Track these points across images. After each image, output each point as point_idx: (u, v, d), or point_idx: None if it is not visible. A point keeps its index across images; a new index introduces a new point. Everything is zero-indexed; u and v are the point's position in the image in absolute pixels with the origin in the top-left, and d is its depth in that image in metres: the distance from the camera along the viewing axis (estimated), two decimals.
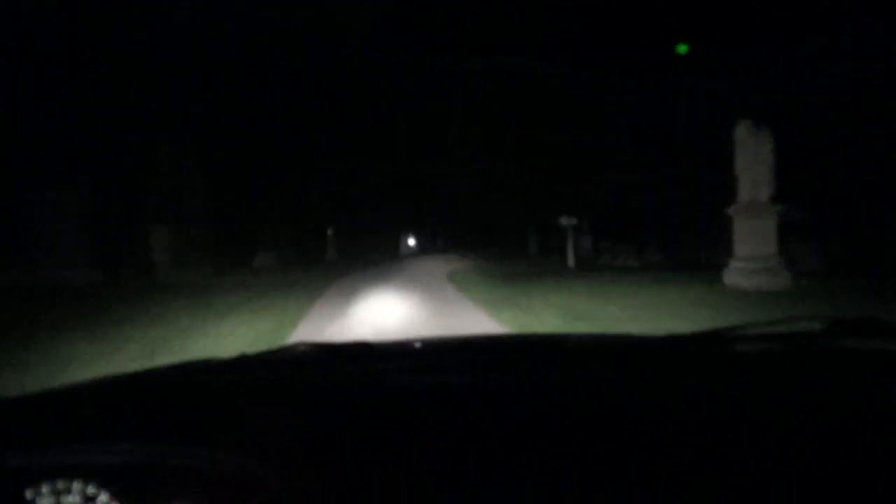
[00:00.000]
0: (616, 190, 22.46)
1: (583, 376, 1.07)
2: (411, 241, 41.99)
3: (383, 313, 8.68)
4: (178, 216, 15.81)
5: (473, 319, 7.70)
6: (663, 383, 1.00)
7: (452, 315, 8.16)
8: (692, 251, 20.93)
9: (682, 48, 15.72)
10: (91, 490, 0.76)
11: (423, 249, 42.49)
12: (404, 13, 18.38)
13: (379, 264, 23.74)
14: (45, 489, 0.76)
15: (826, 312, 1.38)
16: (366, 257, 30.37)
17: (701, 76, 14.80)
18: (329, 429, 0.86)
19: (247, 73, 19.19)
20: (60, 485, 0.76)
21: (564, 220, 16.64)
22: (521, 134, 25.66)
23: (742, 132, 9.70)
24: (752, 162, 9.60)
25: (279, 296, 11.46)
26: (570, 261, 16.51)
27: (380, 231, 36.00)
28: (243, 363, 1.27)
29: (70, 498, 0.76)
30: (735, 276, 9.76)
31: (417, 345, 1.58)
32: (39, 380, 4.92)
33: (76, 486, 0.76)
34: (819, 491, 0.66)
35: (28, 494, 0.76)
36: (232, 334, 7.08)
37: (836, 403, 0.87)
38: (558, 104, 22.80)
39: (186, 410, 0.98)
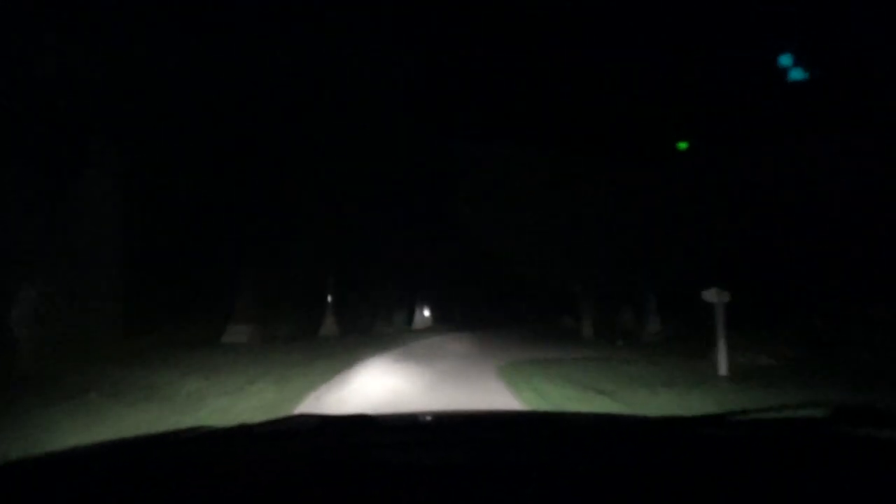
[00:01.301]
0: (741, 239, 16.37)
1: (583, 459, 1.06)
2: (426, 313, 35.56)
3: None
4: (71, 268, 9.75)
5: None
6: (668, 468, 0.99)
7: None
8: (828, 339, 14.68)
9: (682, 145, 16.09)
10: None
11: (438, 322, 36.10)
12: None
13: (390, 344, 17.39)
14: None
15: None
16: (372, 333, 24.00)
17: None
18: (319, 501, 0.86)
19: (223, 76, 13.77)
20: None
21: (712, 295, 10.16)
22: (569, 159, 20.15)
23: None
24: None
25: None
26: (722, 365, 9.86)
27: (389, 299, 29.61)
28: (242, 432, 1.27)
29: None
30: None
31: (419, 419, 1.60)
32: None
33: None
34: None
35: None
36: None
37: (835, 491, 0.87)
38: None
39: (184, 476, 0.98)
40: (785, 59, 11.89)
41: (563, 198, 22.06)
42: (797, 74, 11.87)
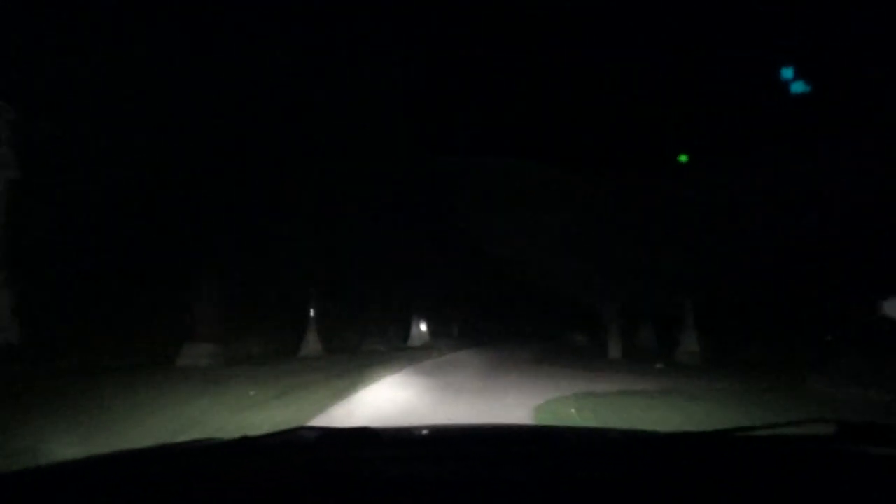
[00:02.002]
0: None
1: (588, 475, 1.02)
2: (423, 327, 32.33)
3: None
4: None
5: None
6: (674, 484, 0.96)
7: None
8: None
9: (683, 157, 15.34)
10: None
11: (435, 337, 32.91)
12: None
13: (384, 367, 14.21)
14: None
15: None
16: (362, 351, 20.81)
17: None
18: None
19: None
20: None
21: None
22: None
23: None
24: None
25: None
26: None
27: (381, 313, 26.26)
28: (244, 445, 1.25)
29: None
30: None
31: (422, 432, 1.61)
32: None
33: None
34: None
35: None
36: None
37: None
38: None
39: (185, 488, 0.98)
40: (786, 73, 11.68)
41: (578, 199, 19.36)
42: (798, 87, 11.67)
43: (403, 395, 9.33)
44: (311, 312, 19.20)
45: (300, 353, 18.52)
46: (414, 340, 28.25)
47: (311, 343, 18.97)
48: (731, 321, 20.87)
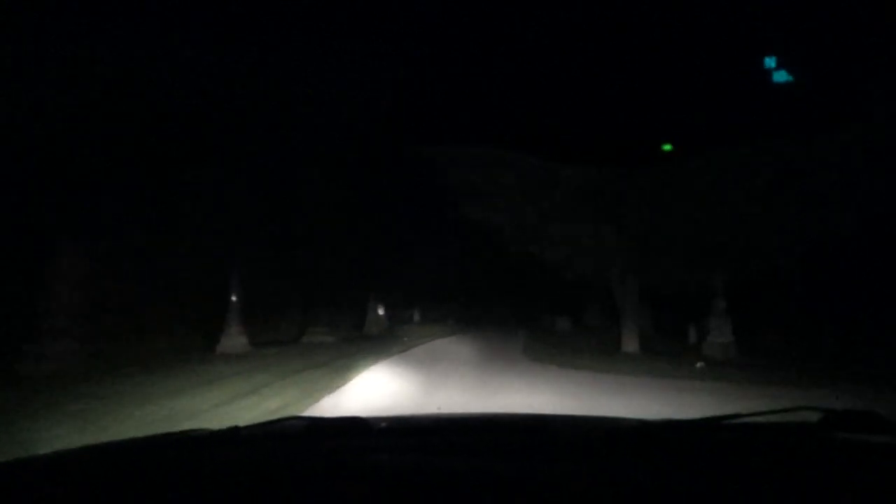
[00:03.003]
0: None
1: (578, 465, 1.01)
2: (381, 311, 27.93)
3: None
4: None
5: None
6: (661, 474, 0.95)
7: None
8: None
9: (667, 146, 14.99)
10: None
11: (394, 321, 28.66)
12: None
13: (336, 370, 9.82)
14: None
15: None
16: (302, 345, 16.28)
17: None
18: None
19: None
20: None
21: None
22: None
23: None
24: None
25: None
26: None
27: (328, 291, 21.48)
28: (232, 435, 1.23)
29: None
30: None
31: (413, 422, 1.54)
32: None
33: None
34: None
35: None
36: None
37: (827, 496, 0.85)
38: None
39: (174, 479, 0.95)
40: (769, 61, 11.69)
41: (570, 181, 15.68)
42: (781, 77, 11.64)
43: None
44: (233, 296, 14.56)
45: (218, 349, 13.94)
46: (370, 327, 23.79)
47: (234, 335, 14.39)
48: (753, 305, 17.33)
